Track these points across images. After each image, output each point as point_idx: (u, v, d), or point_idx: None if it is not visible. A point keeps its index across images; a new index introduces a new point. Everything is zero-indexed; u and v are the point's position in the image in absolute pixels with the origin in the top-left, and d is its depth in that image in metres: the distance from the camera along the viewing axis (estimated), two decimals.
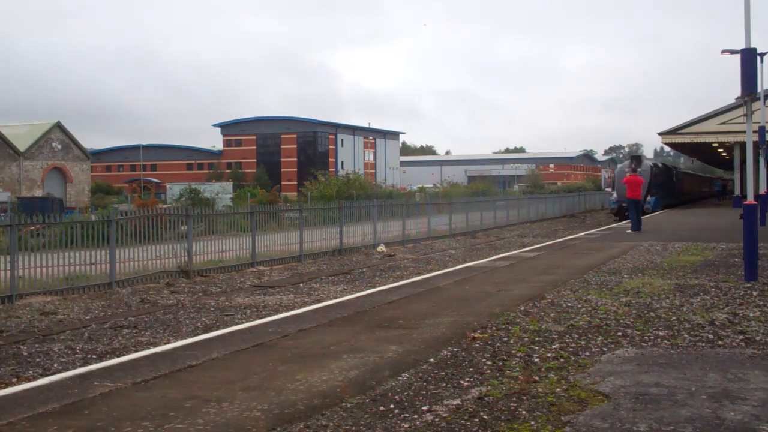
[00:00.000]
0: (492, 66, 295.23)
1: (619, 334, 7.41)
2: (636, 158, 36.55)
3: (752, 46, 11.99)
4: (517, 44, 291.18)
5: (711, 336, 7.28)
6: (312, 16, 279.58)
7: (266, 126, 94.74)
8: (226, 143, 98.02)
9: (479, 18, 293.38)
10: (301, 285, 16.77)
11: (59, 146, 59.29)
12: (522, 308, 8.91)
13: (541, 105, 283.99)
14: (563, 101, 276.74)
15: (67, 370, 7.99)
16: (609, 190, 40.16)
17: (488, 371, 6.01)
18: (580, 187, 70.07)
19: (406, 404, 5.13)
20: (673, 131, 42.96)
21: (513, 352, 6.65)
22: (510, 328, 7.71)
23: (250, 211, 21.88)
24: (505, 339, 7.20)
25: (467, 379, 5.78)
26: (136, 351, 9.40)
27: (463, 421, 4.75)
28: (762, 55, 23.80)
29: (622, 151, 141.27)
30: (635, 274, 12.09)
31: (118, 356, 8.52)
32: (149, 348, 8.75)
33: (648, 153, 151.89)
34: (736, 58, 12.16)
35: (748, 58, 11.74)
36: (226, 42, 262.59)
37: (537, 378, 5.77)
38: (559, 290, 10.37)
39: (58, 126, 59.57)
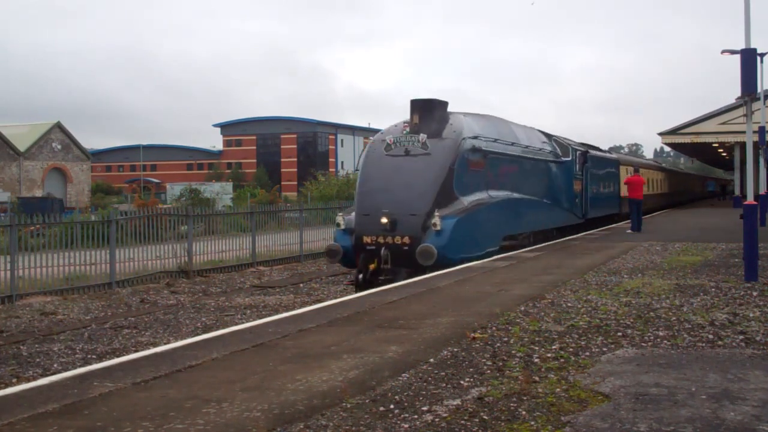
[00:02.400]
0: (490, 66, 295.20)
1: (619, 334, 7.41)
2: (419, 107, 15.00)
3: (752, 46, 12.00)
4: (516, 44, 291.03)
5: (711, 336, 7.28)
6: (309, 16, 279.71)
7: (266, 126, 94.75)
8: (226, 143, 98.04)
9: (478, 18, 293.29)
10: (301, 285, 16.77)
11: (59, 146, 59.29)
12: (522, 308, 8.91)
13: (539, 105, 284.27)
14: (562, 101, 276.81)
15: (67, 370, 8.00)
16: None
17: (488, 371, 6.01)
18: None
19: (406, 404, 5.12)
20: (673, 131, 42.95)
21: (513, 352, 6.65)
22: (510, 328, 7.71)
23: (250, 212, 21.92)
24: (505, 339, 7.20)
25: (467, 379, 5.78)
26: (136, 351, 9.41)
27: (463, 422, 4.75)
28: (762, 55, 23.82)
29: (621, 150, 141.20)
30: (635, 274, 12.08)
31: (118, 356, 8.52)
32: (149, 348, 8.75)
33: (648, 153, 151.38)
34: (736, 58, 12.17)
35: (748, 58, 11.74)
36: (225, 42, 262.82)
37: (537, 378, 5.77)
38: (559, 290, 10.36)
39: (58, 126, 59.57)
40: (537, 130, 21.75)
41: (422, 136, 14.59)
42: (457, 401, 5.19)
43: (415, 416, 4.87)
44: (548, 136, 22.07)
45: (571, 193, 22.38)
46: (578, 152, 23.36)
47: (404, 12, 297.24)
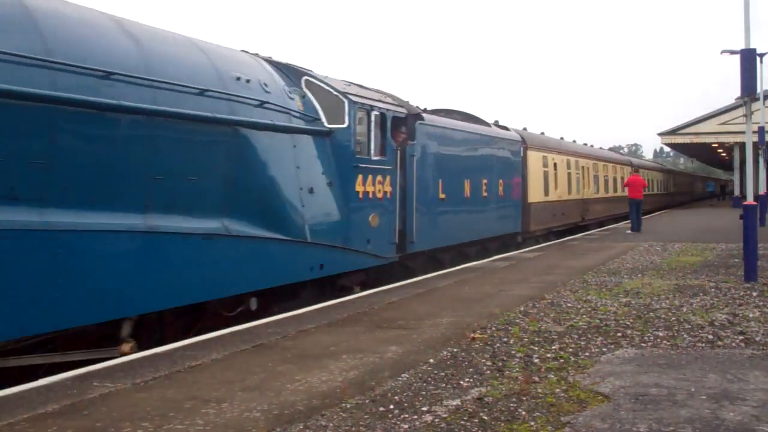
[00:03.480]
0: (488, 64, 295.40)
1: (619, 334, 7.41)
2: None
3: (752, 46, 12.00)
4: (512, 43, 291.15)
5: (711, 336, 7.28)
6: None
7: None
8: None
9: (477, 14, 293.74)
10: None
11: None
12: (521, 309, 8.91)
13: (538, 104, 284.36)
14: (560, 101, 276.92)
15: (67, 370, 7.99)
16: None
17: (488, 372, 6.01)
18: None
19: (405, 405, 5.13)
20: (672, 131, 42.94)
21: (512, 352, 6.65)
22: (509, 328, 7.71)
23: None
24: (505, 339, 7.20)
25: (467, 379, 5.78)
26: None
27: (462, 422, 4.75)
28: (762, 55, 23.80)
29: (621, 150, 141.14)
30: (635, 275, 12.09)
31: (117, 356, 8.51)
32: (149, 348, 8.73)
33: (647, 153, 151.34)
34: (736, 59, 12.17)
35: (748, 58, 11.75)
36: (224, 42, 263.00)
37: (537, 378, 5.77)
38: (559, 291, 10.37)
39: None
40: (264, 60, 10.48)
41: None
42: (457, 401, 5.19)
43: (415, 416, 4.87)
44: (294, 72, 10.83)
45: (350, 203, 10.95)
46: (374, 113, 11.43)
47: None
